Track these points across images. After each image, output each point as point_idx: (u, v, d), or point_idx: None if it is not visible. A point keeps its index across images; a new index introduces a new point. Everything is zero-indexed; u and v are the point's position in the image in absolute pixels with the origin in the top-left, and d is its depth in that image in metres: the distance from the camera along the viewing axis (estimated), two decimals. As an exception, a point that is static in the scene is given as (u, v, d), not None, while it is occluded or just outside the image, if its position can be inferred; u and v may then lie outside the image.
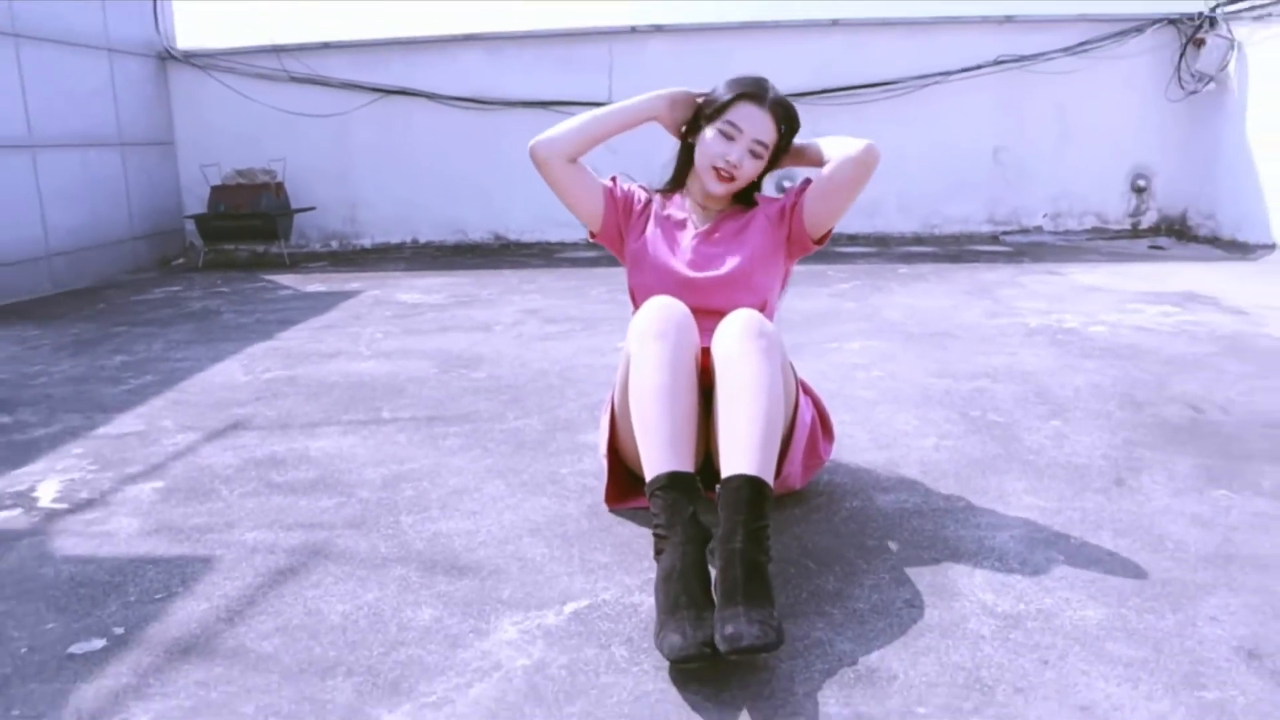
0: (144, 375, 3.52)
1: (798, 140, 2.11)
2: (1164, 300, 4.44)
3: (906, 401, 2.92)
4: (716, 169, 2.04)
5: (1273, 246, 5.95)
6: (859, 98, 6.72)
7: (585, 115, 2.10)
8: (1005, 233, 7.00)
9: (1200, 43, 6.40)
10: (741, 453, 1.68)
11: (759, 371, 1.74)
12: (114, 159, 6.43)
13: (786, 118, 2.05)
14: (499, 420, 2.84)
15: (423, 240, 7.33)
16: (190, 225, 7.04)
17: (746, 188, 2.14)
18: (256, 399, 3.15)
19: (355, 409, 3.00)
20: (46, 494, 2.34)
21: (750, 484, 1.65)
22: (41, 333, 4.39)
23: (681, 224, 2.15)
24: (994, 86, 6.78)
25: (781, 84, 2.13)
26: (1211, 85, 6.45)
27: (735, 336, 1.79)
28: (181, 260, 7.04)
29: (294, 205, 6.94)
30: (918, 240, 6.97)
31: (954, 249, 6.52)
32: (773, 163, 2.10)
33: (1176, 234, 6.86)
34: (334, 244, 7.38)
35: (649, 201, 2.20)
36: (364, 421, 2.87)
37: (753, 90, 2.03)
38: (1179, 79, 6.64)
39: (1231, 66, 6.31)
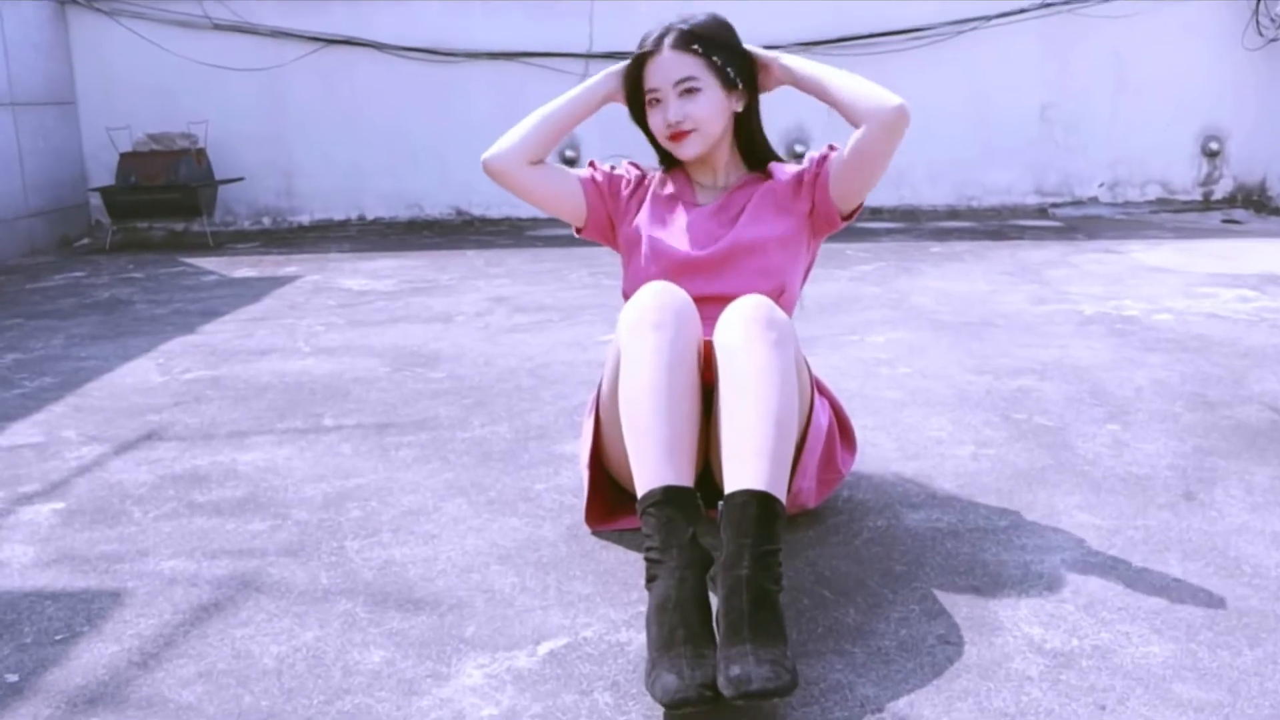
0: (41, 376, 3.50)
1: (789, 61, 2.14)
2: (1240, 283, 4.46)
3: (939, 403, 2.93)
4: (669, 138, 2.10)
5: (1366, 220, 5.99)
6: (880, 47, 6.72)
7: (535, 114, 2.18)
8: (1054, 205, 7.02)
9: (1281, -18, 6.43)
10: (748, 464, 1.68)
11: (768, 367, 1.74)
12: (4, 121, 6.39)
13: (693, 37, 2.08)
14: (461, 427, 2.84)
15: (370, 216, 7.31)
16: (96, 199, 7.00)
17: (759, 153, 2.19)
18: (175, 404, 3.14)
19: (291, 415, 2.99)
20: (-74, 517, 2.33)
21: (758, 501, 1.65)
22: (-81, 327, 4.37)
23: (682, 200, 2.17)
24: (1040, 33, 6.79)
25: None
26: (1294, 31, 6.48)
27: (739, 325, 1.79)
28: (86, 240, 7.00)
29: (218, 175, 6.90)
30: (952, 214, 6.98)
31: (994, 224, 6.54)
32: (751, 89, 2.13)
33: (1254, 205, 6.89)
34: (266, 221, 7.36)
35: (642, 180, 2.24)
36: (302, 430, 2.86)
37: (641, 52, 2.10)
38: (1256, 23, 6.66)
39: (1317, 9, 6.35)
